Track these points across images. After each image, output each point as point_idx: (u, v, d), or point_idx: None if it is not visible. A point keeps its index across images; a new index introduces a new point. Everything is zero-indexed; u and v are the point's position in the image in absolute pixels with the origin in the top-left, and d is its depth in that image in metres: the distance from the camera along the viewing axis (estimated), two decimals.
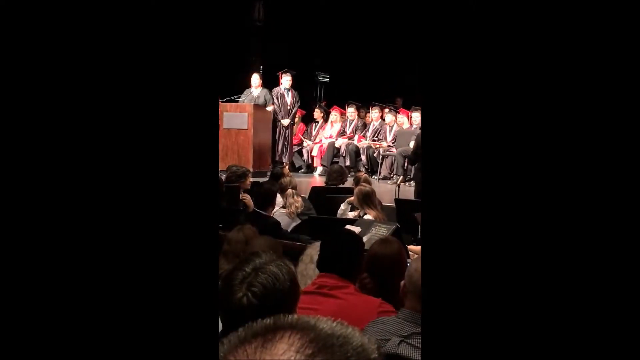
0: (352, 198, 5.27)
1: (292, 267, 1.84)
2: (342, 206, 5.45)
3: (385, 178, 9.44)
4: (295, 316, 0.85)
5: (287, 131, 10.02)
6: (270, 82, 10.15)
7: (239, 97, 9.64)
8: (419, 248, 4.48)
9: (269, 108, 9.65)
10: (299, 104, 10.25)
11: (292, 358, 0.75)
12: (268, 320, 0.81)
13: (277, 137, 9.94)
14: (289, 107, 10.00)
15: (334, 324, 0.82)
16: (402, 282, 2.10)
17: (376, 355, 0.79)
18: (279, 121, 9.93)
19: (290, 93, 10.01)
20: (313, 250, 2.85)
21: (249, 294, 1.68)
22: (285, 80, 10.01)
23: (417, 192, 6.59)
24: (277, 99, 9.92)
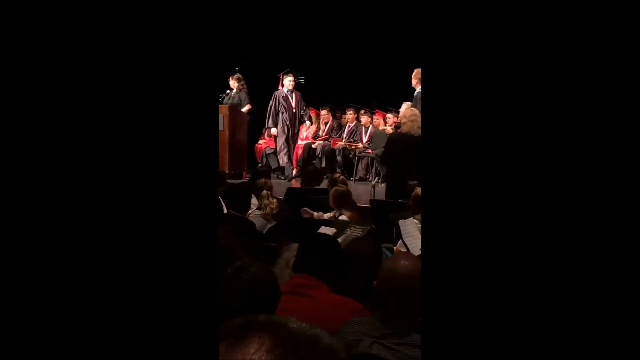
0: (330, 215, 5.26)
1: (272, 269, 1.86)
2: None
3: (361, 179, 9.48)
4: (267, 316, 0.87)
5: (291, 134, 9.48)
6: (272, 84, 9.78)
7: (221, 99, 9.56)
8: (395, 247, 4.52)
9: (245, 109, 9.60)
10: (305, 106, 9.68)
11: (263, 357, 0.77)
12: (241, 320, 0.83)
13: (284, 140, 9.40)
14: (294, 110, 9.41)
15: (304, 325, 0.84)
16: (374, 282, 2.13)
17: (343, 355, 0.82)
18: (269, 128, 9.48)
19: (294, 95, 9.42)
20: (289, 254, 2.88)
21: (232, 295, 1.69)
22: (288, 81, 9.40)
23: (388, 193, 6.64)
24: (278, 102, 9.35)
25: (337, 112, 11.02)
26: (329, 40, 11.83)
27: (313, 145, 10.21)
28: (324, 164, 9.86)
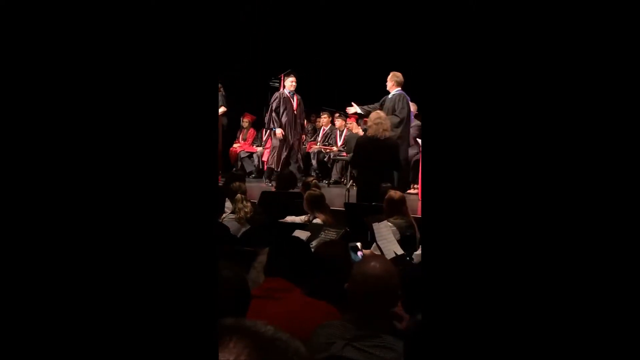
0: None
1: (243, 272, 1.86)
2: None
3: (336, 182, 9.50)
4: (236, 320, 0.88)
5: (290, 136, 8.94)
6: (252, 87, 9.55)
7: None
8: (368, 251, 4.54)
9: (219, 112, 9.51)
10: (304, 111, 9.21)
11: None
12: None
13: (285, 144, 8.92)
14: (295, 112, 8.90)
15: (272, 329, 0.85)
16: (345, 285, 2.15)
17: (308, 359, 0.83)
18: (272, 129, 8.92)
19: (295, 97, 8.94)
20: (265, 257, 2.88)
21: None
22: (289, 82, 8.90)
23: (360, 196, 6.67)
24: (278, 105, 8.83)
25: (312, 115, 11.04)
26: (303, 44, 11.83)
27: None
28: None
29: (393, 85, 7.99)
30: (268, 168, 9.27)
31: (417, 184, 8.05)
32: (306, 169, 9.90)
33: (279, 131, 8.83)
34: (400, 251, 4.39)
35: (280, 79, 9.05)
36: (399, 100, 7.88)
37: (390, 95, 7.96)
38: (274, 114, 8.84)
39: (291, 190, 6.61)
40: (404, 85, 8.01)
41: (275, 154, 8.97)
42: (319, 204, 5.14)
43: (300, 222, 5.11)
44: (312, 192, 5.34)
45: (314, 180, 6.41)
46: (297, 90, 8.97)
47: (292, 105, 8.89)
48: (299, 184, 6.86)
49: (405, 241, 4.63)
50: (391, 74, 8.04)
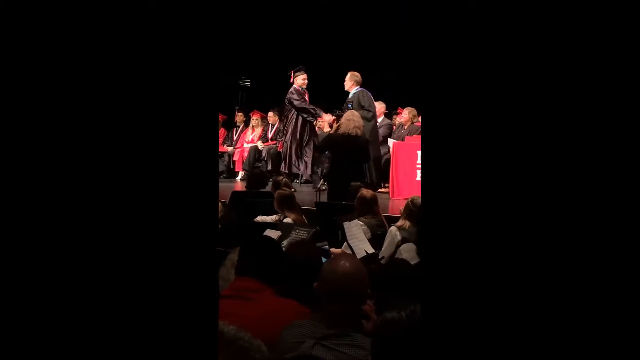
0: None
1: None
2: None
3: (307, 182, 9.50)
4: None
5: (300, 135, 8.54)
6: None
7: None
8: (339, 250, 4.56)
9: None
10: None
11: None
12: None
13: (289, 144, 8.60)
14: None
15: (235, 329, 0.85)
16: (315, 284, 2.15)
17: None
18: (311, 119, 8.45)
19: (306, 94, 8.61)
20: (236, 255, 2.87)
21: None
22: (301, 80, 8.58)
23: (331, 194, 6.69)
24: (301, 98, 8.49)
25: (283, 116, 11.03)
26: (276, 43, 11.82)
27: (259, 147, 10.19)
28: (269, 167, 9.84)
29: (352, 84, 8.16)
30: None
31: (388, 182, 8.09)
32: (277, 167, 9.89)
33: (327, 117, 8.36)
34: (371, 250, 4.41)
35: (290, 76, 8.70)
36: (362, 95, 8.05)
37: (351, 95, 8.05)
38: (307, 109, 8.40)
39: (262, 190, 6.60)
40: (362, 84, 8.20)
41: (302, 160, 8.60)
42: (289, 203, 5.14)
43: (270, 221, 5.10)
44: (282, 191, 5.33)
45: (284, 179, 6.40)
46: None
47: (306, 100, 8.56)
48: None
49: (376, 240, 4.65)
50: (350, 73, 8.20)
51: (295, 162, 8.67)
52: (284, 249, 3.94)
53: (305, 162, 8.66)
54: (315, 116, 8.54)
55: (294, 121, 8.69)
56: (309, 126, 8.69)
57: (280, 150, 10.09)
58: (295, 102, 8.53)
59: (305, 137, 8.67)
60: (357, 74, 8.19)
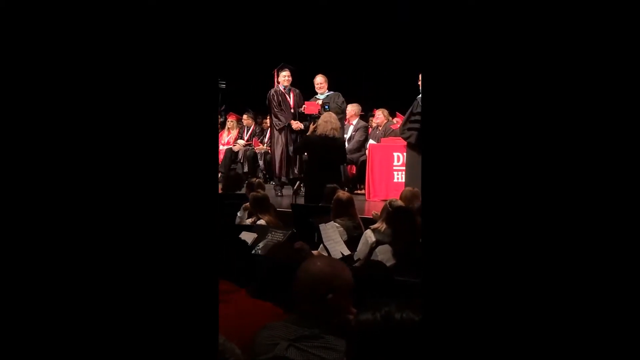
0: (247, 204, 5.28)
1: None
2: (239, 213, 5.44)
3: (283, 184, 9.48)
4: None
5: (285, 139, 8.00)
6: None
7: None
8: (315, 252, 4.55)
9: None
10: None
11: None
12: None
13: (273, 149, 8.12)
14: (292, 110, 7.99)
15: None
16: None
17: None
18: (275, 128, 8.01)
19: (291, 93, 8.06)
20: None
21: None
22: (283, 77, 8.08)
23: (308, 197, 6.69)
24: (276, 101, 7.97)
25: (259, 117, 11.01)
26: (252, 44, 11.80)
27: (234, 149, 10.15)
28: (246, 169, 9.81)
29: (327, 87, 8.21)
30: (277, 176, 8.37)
31: (364, 184, 8.11)
32: (253, 169, 9.86)
33: (295, 124, 7.88)
34: (347, 252, 4.41)
35: (273, 74, 8.23)
36: (337, 97, 8.06)
37: (324, 96, 8.07)
38: (275, 116, 7.97)
39: (237, 192, 6.58)
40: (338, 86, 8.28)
41: (283, 166, 8.08)
42: (263, 205, 5.13)
43: (247, 224, 5.09)
44: (255, 193, 5.32)
45: (258, 181, 6.38)
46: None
47: (288, 102, 8.00)
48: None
49: (353, 242, 4.65)
50: (323, 76, 8.18)
51: (292, 167, 8.16)
52: (260, 252, 3.92)
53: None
54: (279, 125, 8.04)
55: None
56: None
57: (256, 151, 10.06)
58: (271, 108, 8.11)
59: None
60: (326, 78, 8.19)
